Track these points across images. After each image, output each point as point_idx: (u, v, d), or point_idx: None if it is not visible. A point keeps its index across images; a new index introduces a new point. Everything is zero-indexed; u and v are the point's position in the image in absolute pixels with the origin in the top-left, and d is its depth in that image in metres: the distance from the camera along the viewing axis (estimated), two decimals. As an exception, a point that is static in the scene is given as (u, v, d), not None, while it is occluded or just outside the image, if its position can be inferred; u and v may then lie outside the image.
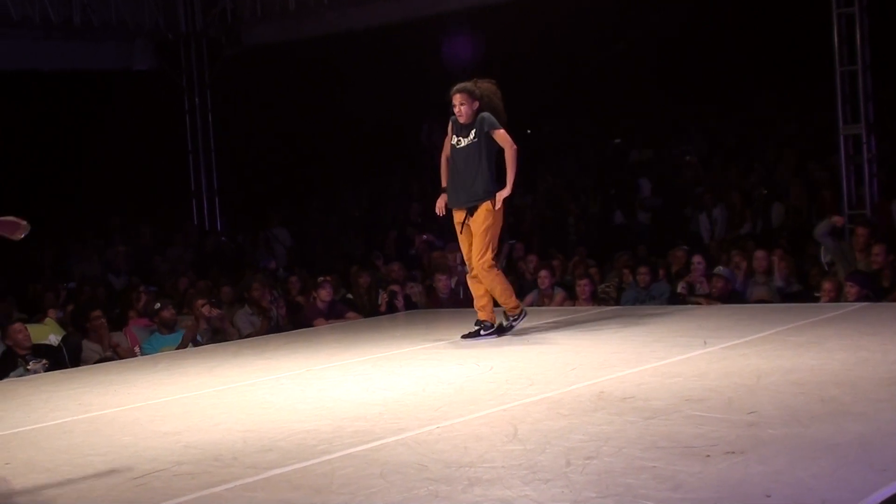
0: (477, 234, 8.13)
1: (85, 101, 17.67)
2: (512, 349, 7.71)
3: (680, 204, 15.67)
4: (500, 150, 8.16)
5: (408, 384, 6.55)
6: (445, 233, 15.89)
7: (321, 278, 11.84)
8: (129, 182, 17.84)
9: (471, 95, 8.11)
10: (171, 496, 4.41)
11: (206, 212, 18.12)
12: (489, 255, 8.12)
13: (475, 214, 8.12)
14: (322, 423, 5.52)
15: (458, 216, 8.26)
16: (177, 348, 9.99)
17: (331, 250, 16.95)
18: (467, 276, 8.43)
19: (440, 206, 8.31)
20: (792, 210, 14.24)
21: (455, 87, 8.16)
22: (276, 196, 19.01)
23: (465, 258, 8.43)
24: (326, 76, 18.37)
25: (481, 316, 8.36)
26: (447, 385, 6.43)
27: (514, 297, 8.36)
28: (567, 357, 7.13)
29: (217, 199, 18.17)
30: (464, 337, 8.31)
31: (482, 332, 8.30)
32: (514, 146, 8.09)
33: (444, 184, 8.33)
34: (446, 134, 8.34)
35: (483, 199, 8.09)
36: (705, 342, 7.25)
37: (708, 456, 4.34)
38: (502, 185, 8.11)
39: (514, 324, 8.34)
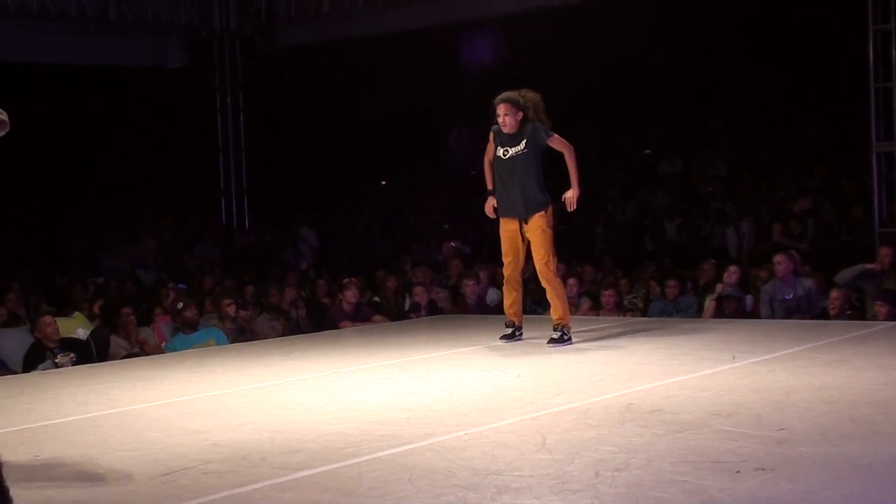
0: (536, 241, 8.07)
1: (117, 97, 17.76)
2: (539, 358, 7.71)
3: (706, 217, 15.59)
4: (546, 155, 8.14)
5: (435, 389, 6.55)
6: (471, 239, 15.91)
7: (346, 279, 11.78)
8: (159, 178, 17.93)
9: (515, 105, 8.04)
10: (200, 494, 4.42)
11: (234, 210, 18.20)
12: (553, 260, 8.09)
13: (531, 223, 8.07)
14: (349, 426, 5.53)
15: (509, 224, 8.19)
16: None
17: (357, 253, 16.97)
18: (504, 284, 8.37)
19: (489, 209, 8.30)
20: (822, 226, 14.16)
21: (500, 97, 8.09)
22: (303, 196, 19.06)
23: (505, 264, 8.31)
24: (358, 78, 18.41)
25: (518, 321, 8.39)
26: (474, 391, 6.43)
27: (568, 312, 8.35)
28: (594, 367, 7.12)
29: (246, 198, 18.25)
30: (503, 339, 8.34)
31: (516, 334, 8.36)
32: (571, 146, 8.06)
33: (489, 186, 8.30)
34: (487, 141, 8.29)
35: (539, 209, 8.05)
36: (734, 356, 7.21)
37: (738, 472, 4.33)
38: (549, 191, 8.12)
39: (567, 337, 8.17)
